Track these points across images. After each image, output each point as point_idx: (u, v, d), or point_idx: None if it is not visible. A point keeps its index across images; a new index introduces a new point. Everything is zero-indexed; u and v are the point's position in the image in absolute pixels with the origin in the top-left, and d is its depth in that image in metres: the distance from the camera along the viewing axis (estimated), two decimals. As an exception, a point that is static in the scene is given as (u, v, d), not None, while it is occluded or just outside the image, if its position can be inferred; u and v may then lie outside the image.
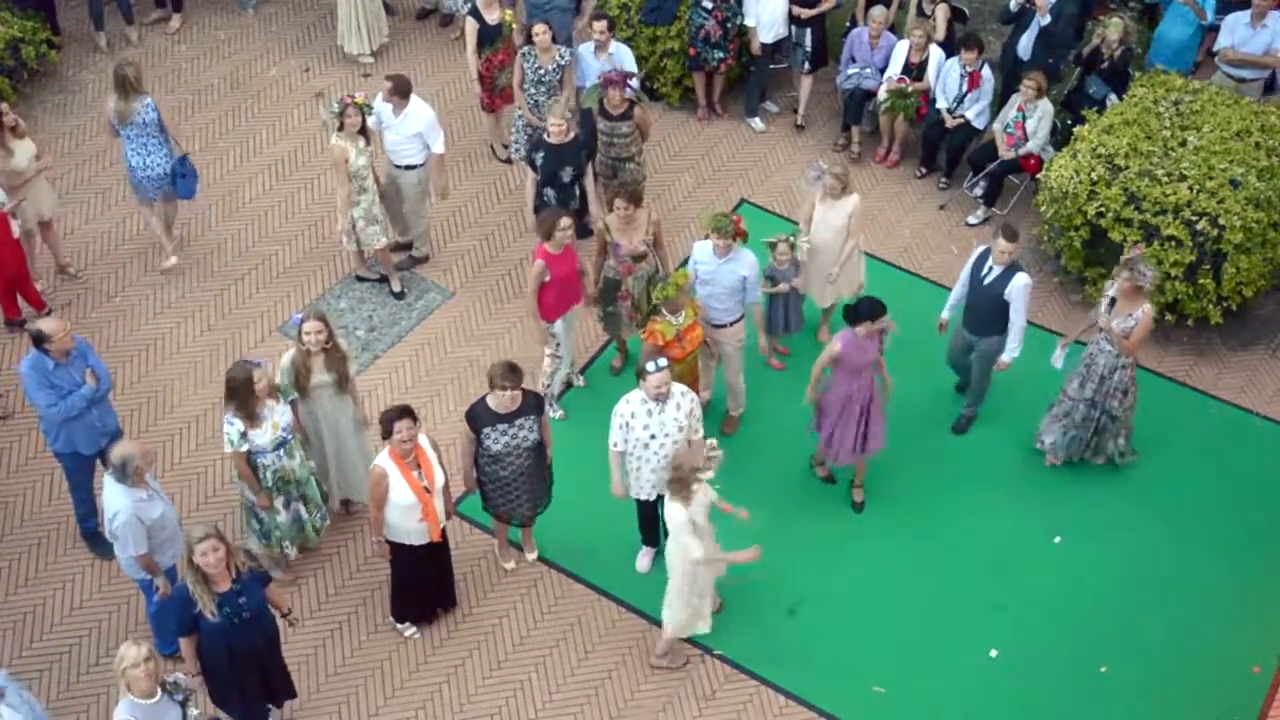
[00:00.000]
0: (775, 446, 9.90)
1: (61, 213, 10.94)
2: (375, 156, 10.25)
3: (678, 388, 8.24)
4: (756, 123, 12.82)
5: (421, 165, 10.55)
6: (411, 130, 10.33)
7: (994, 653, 8.81)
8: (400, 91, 10.20)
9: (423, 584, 8.56)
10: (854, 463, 9.32)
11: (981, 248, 9.46)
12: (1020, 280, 9.17)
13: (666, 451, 8.27)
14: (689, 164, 12.37)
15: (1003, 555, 9.35)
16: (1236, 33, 11.77)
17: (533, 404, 8.33)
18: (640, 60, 12.67)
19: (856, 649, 8.80)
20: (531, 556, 9.21)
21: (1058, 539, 9.47)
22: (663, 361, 8.08)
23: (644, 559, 9.14)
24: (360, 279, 10.93)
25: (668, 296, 8.80)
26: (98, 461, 8.73)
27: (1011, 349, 9.37)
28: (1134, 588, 9.18)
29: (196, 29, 13.60)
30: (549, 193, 10.28)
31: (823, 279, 10.10)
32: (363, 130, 9.96)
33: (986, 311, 9.33)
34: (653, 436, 8.25)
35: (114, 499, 7.59)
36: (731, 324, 9.47)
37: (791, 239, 9.87)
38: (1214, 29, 12.19)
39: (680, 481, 7.76)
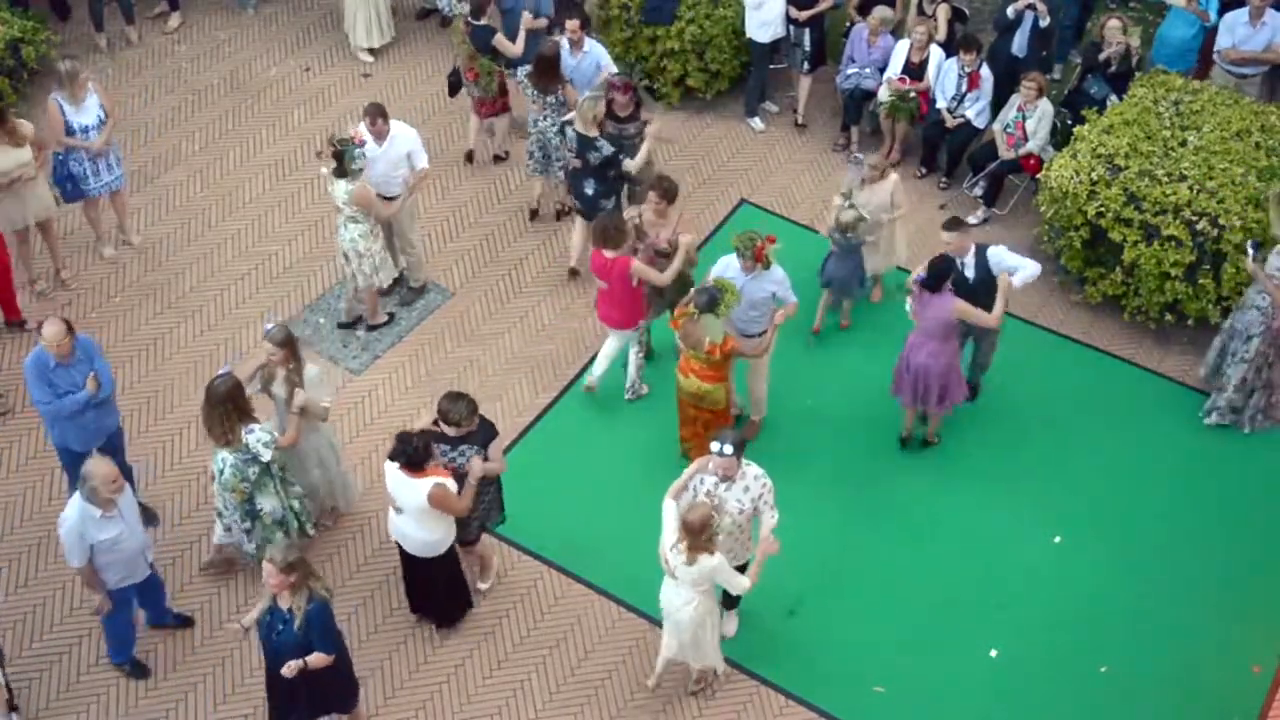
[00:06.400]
0: (774, 447, 9.90)
1: (57, 214, 10.80)
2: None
3: (753, 471, 7.90)
4: (756, 123, 12.82)
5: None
6: (401, 152, 10.16)
7: (994, 653, 8.81)
8: (384, 115, 10.02)
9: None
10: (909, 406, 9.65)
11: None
12: (995, 250, 9.36)
13: (724, 526, 7.84)
14: (689, 164, 12.37)
15: (1003, 555, 9.35)
16: (1236, 32, 11.76)
17: (479, 435, 8.11)
18: (641, 60, 12.73)
19: (856, 649, 8.80)
20: (483, 587, 8.98)
21: (1058, 539, 9.46)
22: (729, 448, 7.65)
23: (729, 623, 8.72)
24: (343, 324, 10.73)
25: (729, 305, 8.95)
26: None
27: (1026, 279, 9.35)
28: (1134, 588, 9.18)
29: (196, 29, 13.60)
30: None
31: (872, 249, 10.46)
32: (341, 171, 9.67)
33: (978, 301, 9.24)
34: (715, 508, 7.76)
35: (69, 506, 7.59)
36: (760, 334, 9.45)
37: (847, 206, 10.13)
38: (1216, 29, 12.18)
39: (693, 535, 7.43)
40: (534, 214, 11.65)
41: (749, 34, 12.28)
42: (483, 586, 8.95)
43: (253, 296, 10.93)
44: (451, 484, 7.83)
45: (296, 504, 8.53)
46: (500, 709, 8.48)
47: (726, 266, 9.31)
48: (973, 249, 9.36)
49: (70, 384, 8.34)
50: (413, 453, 7.71)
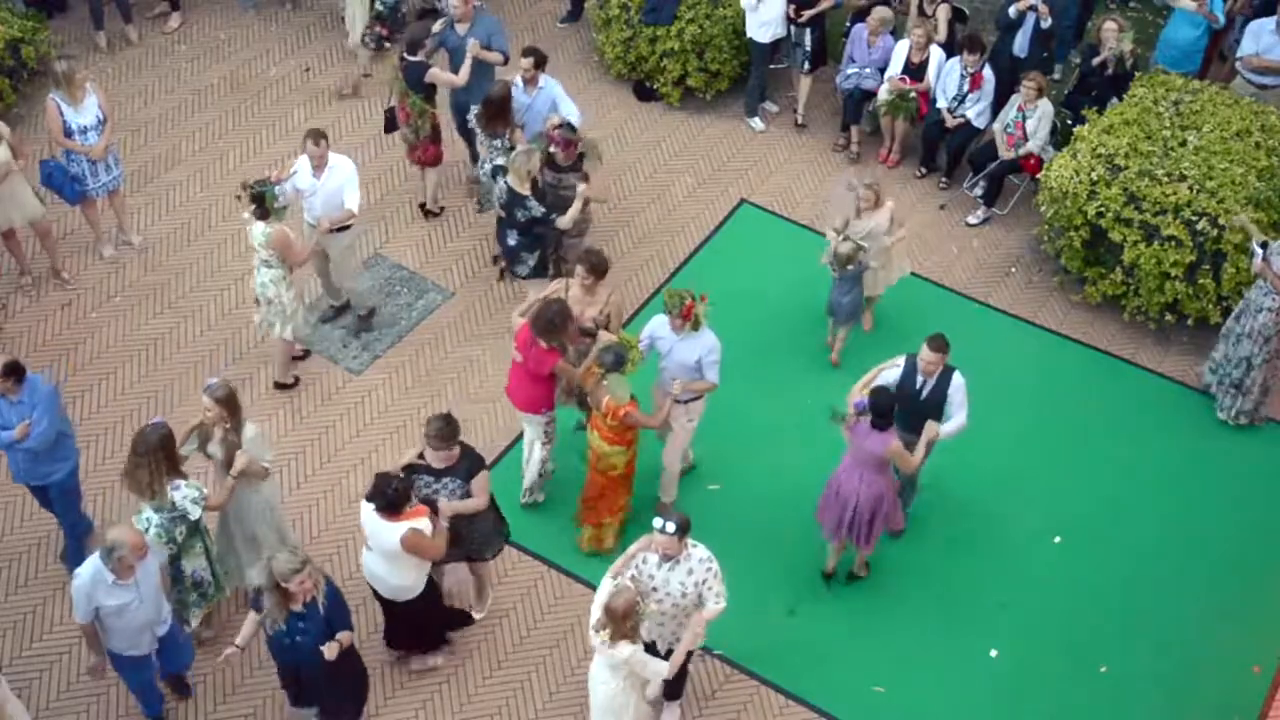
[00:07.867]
0: (774, 448, 9.90)
1: (41, 215, 10.53)
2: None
3: (699, 554, 7.47)
4: (756, 123, 12.82)
5: (349, 227, 10.08)
6: (337, 184, 9.78)
7: (994, 653, 8.82)
8: (324, 138, 9.72)
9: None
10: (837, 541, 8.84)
11: (901, 359, 8.71)
12: (958, 380, 8.58)
13: (665, 610, 7.56)
14: (689, 164, 12.37)
15: (1003, 555, 9.35)
16: (1261, 40, 11.60)
17: (464, 469, 7.89)
18: (640, 60, 12.72)
19: (856, 649, 8.80)
20: (477, 616, 8.80)
21: (1058, 539, 9.47)
22: (670, 526, 7.26)
23: (670, 715, 8.33)
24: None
25: (636, 363, 8.48)
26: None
27: (950, 432, 8.59)
28: (1134, 588, 9.19)
29: (196, 29, 13.60)
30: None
31: (870, 272, 10.14)
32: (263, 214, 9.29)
33: (923, 416, 8.59)
34: (654, 589, 7.51)
35: (85, 564, 7.38)
36: (684, 402, 8.87)
37: (843, 239, 9.85)
38: (1221, 32, 12.15)
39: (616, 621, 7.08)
40: (498, 259, 11.08)
41: (749, 34, 12.29)
42: (477, 616, 8.82)
43: (252, 296, 10.90)
44: (427, 526, 7.62)
45: (215, 565, 8.26)
46: (500, 709, 8.48)
47: (661, 324, 8.75)
48: (941, 369, 8.60)
49: (4, 420, 8.18)
50: (392, 495, 7.50)
